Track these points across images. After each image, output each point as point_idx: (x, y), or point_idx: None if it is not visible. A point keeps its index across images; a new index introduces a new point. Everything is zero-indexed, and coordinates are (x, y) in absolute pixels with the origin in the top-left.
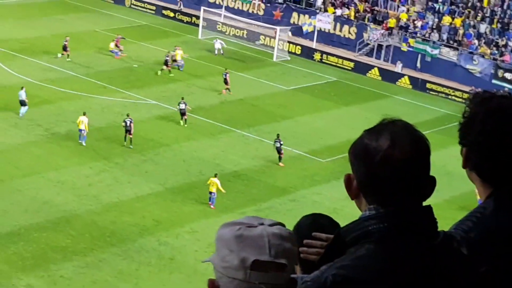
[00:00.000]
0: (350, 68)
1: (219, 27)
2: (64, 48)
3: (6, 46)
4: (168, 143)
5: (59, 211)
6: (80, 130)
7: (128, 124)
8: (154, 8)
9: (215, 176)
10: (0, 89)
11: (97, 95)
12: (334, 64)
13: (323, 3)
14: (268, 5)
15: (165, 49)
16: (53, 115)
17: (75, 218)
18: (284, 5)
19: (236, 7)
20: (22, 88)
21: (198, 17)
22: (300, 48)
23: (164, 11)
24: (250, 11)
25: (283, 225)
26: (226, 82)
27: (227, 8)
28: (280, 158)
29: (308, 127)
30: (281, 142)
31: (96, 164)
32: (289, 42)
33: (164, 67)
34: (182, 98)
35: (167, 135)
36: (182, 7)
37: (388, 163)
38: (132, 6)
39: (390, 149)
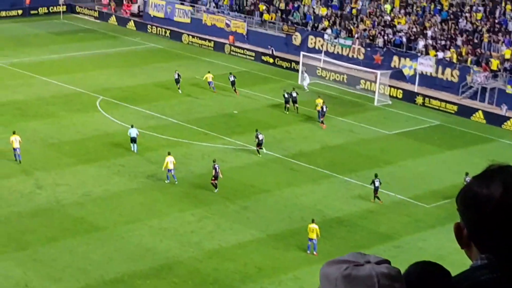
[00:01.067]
0: (453, 112)
1: (318, 72)
2: (177, 82)
3: (108, 94)
4: (269, 189)
5: (162, 258)
6: (169, 170)
7: (217, 170)
8: (253, 54)
9: (313, 221)
10: (103, 137)
11: (197, 141)
12: (437, 107)
13: (425, 46)
14: (368, 49)
15: (265, 94)
16: (156, 163)
17: (178, 265)
18: (385, 49)
19: (335, 52)
20: (132, 126)
21: (297, 63)
22: (401, 92)
23: (263, 57)
24: (350, 55)
25: (389, 262)
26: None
27: (327, 53)
28: (376, 197)
29: (411, 172)
30: (379, 182)
31: (198, 211)
32: (390, 86)
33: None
34: (257, 130)
35: (268, 181)
36: (274, 52)
37: (502, 211)
38: (232, 52)
39: (503, 197)
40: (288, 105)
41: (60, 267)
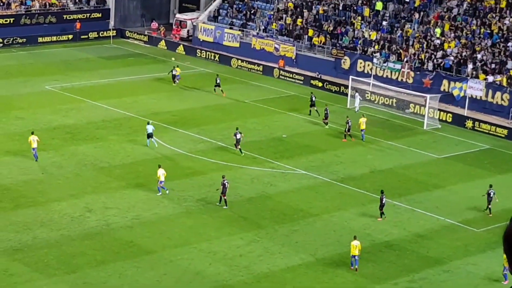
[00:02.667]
0: (503, 136)
1: (367, 96)
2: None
3: (158, 118)
4: (318, 213)
5: (211, 281)
6: (160, 182)
7: (225, 186)
8: (302, 78)
9: (355, 238)
10: (152, 161)
11: (246, 165)
12: (487, 131)
13: (474, 69)
14: (418, 73)
15: (313, 119)
16: (205, 186)
17: None
18: (434, 73)
19: (384, 76)
20: (148, 123)
21: (346, 87)
22: (451, 115)
23: (312, 81)
24: (399, 79)
25: None
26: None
27: (376, 77)
28: (381, 213)
29: (461, 196)
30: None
31: (246, 235)
32: (440, 110)
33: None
34: (237, 128)
35: (316, 205)
36: (320, 75)
37: None
38: (281, 76)
39: None
40: (311, 109)
41: None
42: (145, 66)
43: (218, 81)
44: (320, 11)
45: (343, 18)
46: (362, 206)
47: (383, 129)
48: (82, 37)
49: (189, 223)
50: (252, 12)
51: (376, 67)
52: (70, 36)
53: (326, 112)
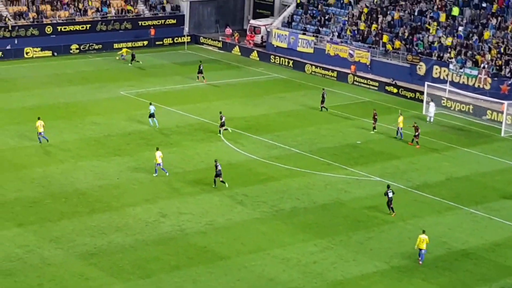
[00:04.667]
0: None
1: (443, 102)
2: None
3: (232, 124)
4: (393, 220)
5: None
6: (158, 164)
7: (218, 168)
8: (377, 84)
9: (423, 232)
10: (226, 167)
11: (320, 171)
12: None
13: None
14: (495, 79)
15: (388, 125)
16: (278, 192)
17: None
18: None
19: (461, 82)
20: (150, 103)
21: (422, 93)
22: None
23: (387, 87)
24: (476, 85)
25: None
26: (201, 71)
27: (452, 83)
28: (390, 208)
29: None
30: (392, 192)
31: (320, 241)
32: None
33: None
34: (220, 112)
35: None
36: (395, 81)
37: None
38: (355, 82)
39: None
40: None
41: None
42: (219, 72)
43: (201, 68)
44: (395, 17)
45: (419, 23)
46: (438, 214)
47: (459, 136)
48: (157, 43)
49: (263, 229)
50: (326, 17)
51: (452, 73)
52: (145, 42)
53: (323, 96)
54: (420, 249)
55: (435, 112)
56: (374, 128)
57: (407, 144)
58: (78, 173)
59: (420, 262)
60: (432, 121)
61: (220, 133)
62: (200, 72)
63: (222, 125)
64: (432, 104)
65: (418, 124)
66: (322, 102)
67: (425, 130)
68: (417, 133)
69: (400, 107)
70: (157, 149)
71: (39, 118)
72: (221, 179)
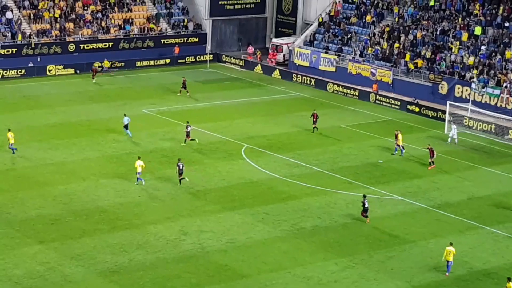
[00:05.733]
0: None
1: (465, 122)
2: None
3: (253, 142)
4: (415, 240)
5: None
6: (138, 173)
7: (180, 168)
8: (398, 103)
9: (451, 244)
10: (247, 185)
11: (342, 190)
12: None
13: None
14: None
15: (410, 144)
16: (299, 211)
17: None
18: None
19: (483, 101)
20: (124, 115)
21: (444, 112)
22: None
23: (409, 106)
24: (498, 105)
25: None
26: (184, 86)
27: (474, 102)
28: (365, 217)
29: None
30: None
31: (341, 260)
32: None
33: None
34: (187, 122)
35: (413, 231)
36: (417, 101)
37: None
38: (377, 101)
39: None
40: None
41: None
42: (241, 90)
43: (185, 84)
44: (418, 36)
45: (441, 43)
46: (460, 233)
47: (481, 155)
48: (179, 61)
49: (284, 247)
50: (348, 36)
51: (475, 92)
52: (168, 60)
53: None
54: (448, 261)
55: (457, 132)
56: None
57: (427, 169)
58: (99, 191)
59: (447, 274)
60: (450, 142)
61: (185, 143)
62: (184, 87)
63: (187, 134)
64: (454, 126)
65: (432, 146)
66: (314, 122)
67: (446, 149)
68: (432, 155)
69: (422, 126)
70: (138, 158)
71: (9, 130)
72: (181, 177)
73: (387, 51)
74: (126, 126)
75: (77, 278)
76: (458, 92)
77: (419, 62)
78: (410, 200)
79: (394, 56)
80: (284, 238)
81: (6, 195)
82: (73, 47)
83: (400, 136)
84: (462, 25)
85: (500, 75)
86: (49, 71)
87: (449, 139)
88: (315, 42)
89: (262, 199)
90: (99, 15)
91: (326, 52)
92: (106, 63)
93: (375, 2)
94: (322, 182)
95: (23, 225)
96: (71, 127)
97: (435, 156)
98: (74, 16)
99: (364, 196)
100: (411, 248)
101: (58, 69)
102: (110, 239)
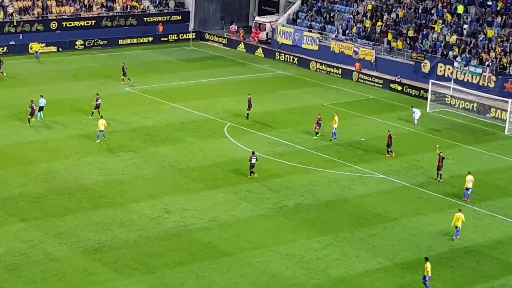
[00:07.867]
0: None
1: (447, 100)
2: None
3: (236, 121)
4: (396, 218)
5: (287, 284)
6: (101, 131)
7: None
8: (381, 81)
9: (460, 211)
10: (230, 163)
11: (324, 169)
12: None
13: None
14: (499, 77)
15: (393, 122)
16: (282, 189)
17: None
18: None
19: (465, 80)
20: (41, 96)
21: (426, 90)
22: None
23: (391, 85)
24: (480, 83)
25: None
26: (124, 73)
27: (456, 81)
28: (252, 172)
29: None
30: (256, 159)
31: (324, 238)
32: None
33: None
34: (97, 94)
35: (395, 209)
36: (401, 79)
37: None
38: (360, 80)
39: None
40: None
41: None
42: (224, 68)
43: (124, 70)
44: (400, 14)
45: (423, 21)
46: (441, 211)
47: (463, 133)
48: (162, 39)
49: (267, 225)
50: (331, 15)
51: (457, 71)
52: (150, 39)
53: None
54: (456, 227)
55: (420, 116)
56: (316, 133)
57: (385, 156)
58: (82, 169)
59: (454, 238)
60: (417, 124)
61: (92, 115)
62: (124, 74)
63: (97, 107)
64: (414, 110)
65: (391, 132)
66: (249, 108)
67: (429, 127)
68: (390, 143)
69: (405, 105)
70: (101, 117)
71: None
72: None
73: (370, 30)
74: (41, 108)
75: (60, 256)
76: (440, 71)
77: (399, 44)
78: (392, 178)
79: (377, 35)
80: (266, 216)
81: None
82: (55, 25)
83: (336, 118)
84: (444, 4)
85: (482, 54)
86: (31, 49)
87: (415, 121)
88: (298, 20)
89: (245, 177)
90: None
91: (309, 31)
92: (37, 47)
93: None
94: (305, 161)
95: (5, 203)
96: (54, 105)
97: (392, 144)
98: None
99: (253, 153)
100: (393, 226)
101: (41, 47)
102: (93, 217)
